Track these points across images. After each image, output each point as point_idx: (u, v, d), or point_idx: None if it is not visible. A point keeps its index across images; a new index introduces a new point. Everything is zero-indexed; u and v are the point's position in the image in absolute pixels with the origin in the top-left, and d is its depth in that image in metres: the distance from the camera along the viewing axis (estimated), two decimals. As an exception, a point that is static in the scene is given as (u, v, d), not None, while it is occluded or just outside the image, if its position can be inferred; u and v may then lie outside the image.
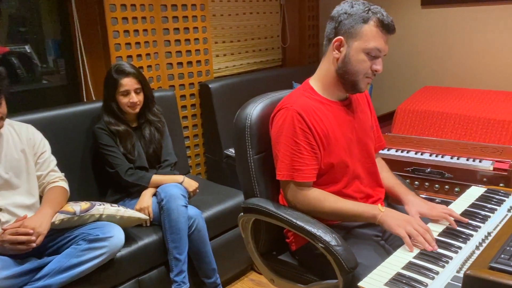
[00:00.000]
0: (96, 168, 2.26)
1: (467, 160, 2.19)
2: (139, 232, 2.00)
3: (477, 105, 2.62)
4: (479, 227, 1.34)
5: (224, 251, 2.26)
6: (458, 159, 2.22)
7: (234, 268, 2.40)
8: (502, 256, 0.97)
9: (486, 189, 1.59)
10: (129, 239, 1.91)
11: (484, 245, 1.21)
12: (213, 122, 2.92)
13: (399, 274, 1.12)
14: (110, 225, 1.77)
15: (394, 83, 3.55)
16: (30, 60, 2.53)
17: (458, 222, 1.37)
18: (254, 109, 1.54)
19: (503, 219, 1.36)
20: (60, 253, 1.70)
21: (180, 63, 2.88)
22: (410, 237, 1.28)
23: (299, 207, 1.44)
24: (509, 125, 2.37)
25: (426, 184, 2.26)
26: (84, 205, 1.79)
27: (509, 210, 1.42)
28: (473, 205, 1.48)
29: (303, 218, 1.40)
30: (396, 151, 2.37)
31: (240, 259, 2.39)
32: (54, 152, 1.93)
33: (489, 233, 1.28)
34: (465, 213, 1.42)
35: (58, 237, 1.75)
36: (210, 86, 2.87)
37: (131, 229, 1.97)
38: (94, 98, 2.59)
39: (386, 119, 2.98)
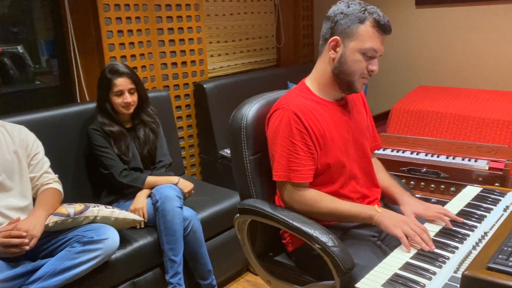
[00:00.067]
0: (90, 170, 2.25)
1: (463, 159, 2.20)
2: (134, 234, 1.98)
3: (472, 104, 2.63)
4: (476, 227, 1.34)
5: (219, 252, 2.25)
6: (453, 158, 2.22)
7: (230, 269, 2.39)
8: (500, 256, 0.97)
9: (481, 188, 1.60)
10: (124, 241, 1.89)
11: (481, 245, 1.21)
12: (208, 122, 2.91)
13: (396, 274, 1.12)
14: (104, 227, 1.75)
15: (388, 83, 3.56)
16: (22, 60, 2.50)
17: (454, 222, 1.37)
18: (250, 110, 1.53)
19: (499, 218, 1.37)
20: (54, 256, 1.68)
21: (174, 63, 2.86)
22: (407, 237, 1.27)
23: (296, 207, 1.43)
24: (503, 124, 2.38)
25: (422, 184, 2.27)
26: (78, 207, 1.78)
27: (504, 210, 1.42)
28: (469, 205, 1.48)
29: (299, 219, 1.40)
30: (392, 151, 2.37)
31: (236, 260, 2.38)
32: (47, 154, 1.92)
33: (485, 233, 1.28)
34: (461, 213, 1.42)
35: (52, 239, 1.73)
36: (204, 86, 2.86)
37: (126, 231, 1.96)
38: (87, 99, 2.57)
39: (381, 119, 2.98)
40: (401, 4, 3.41)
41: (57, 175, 1.91)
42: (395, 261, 1.19)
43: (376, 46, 1.37)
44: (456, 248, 1.22)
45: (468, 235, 1.29)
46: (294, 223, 1.38)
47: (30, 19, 2.51)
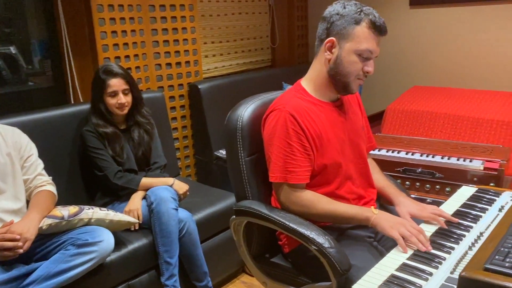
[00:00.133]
0: (84, 172, 2.23)
1: (458, 160, 2.20)
2: (129, 236, 1.97)
3: (466, 104, 2.64)
4: (471, 227, 1.34)
5: (215, 253, 2.25)
6: (448, 159, 2.23)
7: (226, 270, 2.39)
8: (497, 257, 0.97)
9: (477, 188, 1.60)
10: (119, 243, 1.88)
11: (477, 245, 1.21)
12: (202, 123, 2.90)
13: (393, 275, 1.12)
14: (99, 230, 1.74)
15: (383, 83, 3.57)
16: (15, 61, 2.48)
17: (449, 222, 1.37)
18: (246, 111, 1.52)
19: (494, 218, 1.37)
20: (48, 259, 1.66)
21: (169, 64, 2.85)
22: (403, 238, 1.27)
23: (292, 209, 1.43)
24: (497, 124, 2.40)
25: (417, 184, 2.27)
26: (73, 209, 1.76)
27: (500, 210, 1.43)
28: (464, 205, 1.48)
29: (296, 220, 1.39)
30: (387, 152, 2.38)
31: (231, 262, 2.38)
32: (41, 156, 1.90)
33: (481, 233, 1.28)
34: (457, 213, 1.42)
35: (46, 242, 1.72)
36: (199, 87, 2.85)
37: (121, 233, 1.94)
38: (81, 100, 2.56)
39: (375, 119, 2.99)
40: (395, 4, 3.42)
41: (51, 177, 1.89)
42: (392, 262, 1.19)
43: (371, 48, 1.37)
44: (452, 248, 1.22)
45: (464, 236, 1.29)
46: (291, 225, 1.37)
47: (23, 19, 2.49)
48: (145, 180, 2.11)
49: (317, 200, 1.41)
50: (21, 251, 1.57)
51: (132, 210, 2.01)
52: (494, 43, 3.05)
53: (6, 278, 1.56)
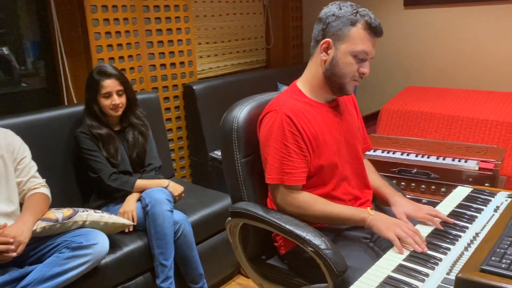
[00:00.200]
0: (78, 174, 2.21)
1: (453, 160, 2.21)
2: (124, 238, 1.96)
3: (461, 104, 2.65)
4: (467, 227, 1.34)
5: (211, 255, 2.24)
6: (443, 159, 2.23)
7: (221, 272, 2.38)
8: (493, 258, 0.97)
9: (472, 189, 1.60)
10: (114, 245, 1.87)
11: (473, 246, 1.22)
12: (197, 124, 2.89)
13: (389, 277, 1.11)
14: (94, 232, 1.73)
15: (378, 84, 3.58)
16: (8, 62, 2.46)
17: (445, 222, 1.37)
18: (241, 112, 1.52)
19: (490, 219, 1.37)
20: (42, 262, 1.65)
21: (163, 65, 2.84)
22: (399, 239, 1.27)
23: (289, 210, 1.43)
24: (492, 124, 2.41)
25: (413, 184, 2.28)
26: (67, 211, 1.75)
27: (495, 210, 1.43)
28: (460, 206, 1.48)
29: (292, 221, 1.39)
30: (382, 152, 2.38)
31: (227, 263, 2.37)
32: (34, 158, 1.88)
33: (477, 234, 1.28)
34: (453, 214, 1.43)
35: (40, 245, 1.70)
36: (194, 87, 2.84)
37: (116, 236, 1.93)
38: (75, 101, 2.54)
39: (370, 120, 2.99)
40: (389, 5, 3.42)
41: (44, 180, 1.88)
42: (388, 263, 1.18)
43: (367, 49, 1.37)
44: (448, 249, 1.22)
45: (460, 236, 1.29)
46: (287, 226, 1.37)
47: (16, 20, 2.47)
48: (140, 182, 2.10)
49: (313, 202, 1.41)
50: (14, 254, 1.56)
51: (126, 212, 2.00)
52: (489, 43, 3.06)
53: (0, 282, 1.55)
